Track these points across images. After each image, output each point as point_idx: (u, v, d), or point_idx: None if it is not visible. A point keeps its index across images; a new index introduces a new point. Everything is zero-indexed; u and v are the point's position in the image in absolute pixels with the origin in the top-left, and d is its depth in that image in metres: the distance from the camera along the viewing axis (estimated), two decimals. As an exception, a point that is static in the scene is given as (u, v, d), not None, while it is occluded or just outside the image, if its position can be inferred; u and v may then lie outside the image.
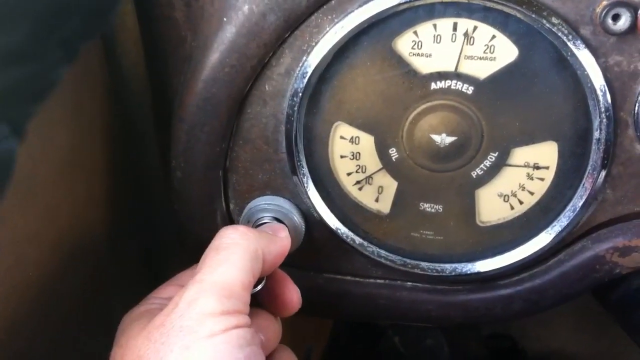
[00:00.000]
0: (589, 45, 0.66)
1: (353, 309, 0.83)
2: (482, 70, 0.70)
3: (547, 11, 0.65)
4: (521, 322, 1.35)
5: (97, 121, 0.75)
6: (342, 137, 0.75)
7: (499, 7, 0.66)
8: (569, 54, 0.66)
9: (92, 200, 0.75)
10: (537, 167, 0.73)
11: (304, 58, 0.70)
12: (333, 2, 0.68)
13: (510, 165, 0.74)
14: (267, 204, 0.78)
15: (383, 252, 0.79)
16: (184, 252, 0.89)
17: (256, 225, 0.77)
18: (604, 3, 0.64)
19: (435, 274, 0.78)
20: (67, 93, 0.67)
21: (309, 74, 0.70)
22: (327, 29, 0.68)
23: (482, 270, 0.77)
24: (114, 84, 0.78)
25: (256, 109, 0.73)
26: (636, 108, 0.68)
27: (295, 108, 0.71)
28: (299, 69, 0.70)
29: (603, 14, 0.64)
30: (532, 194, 0.75)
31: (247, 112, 0.73)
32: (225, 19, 0.68)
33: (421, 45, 0.70)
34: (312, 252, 0.81)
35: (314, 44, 0.69)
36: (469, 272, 0.78)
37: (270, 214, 0.77)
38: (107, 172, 0.78)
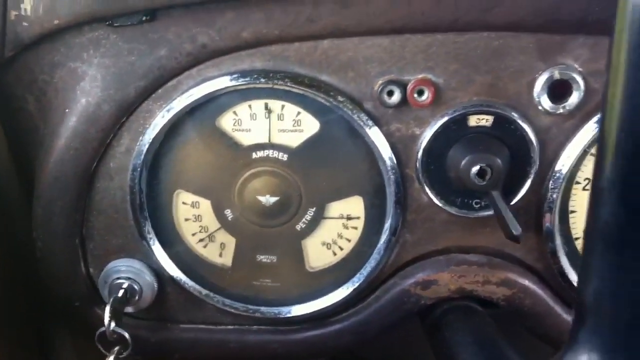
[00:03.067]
0: (372, 117, 0.81)
1: (208, 355, 0.94)
2: (293, 140, 0.83)
3: (334, 91, 0.79)
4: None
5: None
6: (184, 203, 0.87)
7: (297, 90, 0.80)
8: (357, 124, 0.80)
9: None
10: (349, 217, 0.87)
11: (140, 138, 0.82)
12: (160, 91, 0.80)
13: (327, 218, 0.87)
14: (121, 266, 0.88)
15: (228, 301, 0.90)
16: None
17: (113, 284, 0.88)
18: (380, 82, 0.79)
19: (274, 316, 0.90)
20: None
21: (144, 152, 0.82)
22: (157, 113, 0.81)
23: (312, 310, 0.89)
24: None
25: (104, 184, 0.85)
26: (417, 165, 0.82)
27: (136, 181, 0.83)
28: (137, 147, 0.82)
29: (379, 91, 0.79)
30: (349, 240, 0.88)
31: (97, 187, 0.85)
32: (67, 110, 0.80)
33: (241, 122, 0.83)
34: (166, 305, 0.92)
35: (147, 125, 0.81)
36: (301, 313, 0.89)
37: (124, 275, 0.88)
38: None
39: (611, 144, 0.40)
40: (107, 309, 0.84)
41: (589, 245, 0.43)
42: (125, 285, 0.87)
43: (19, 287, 0.95)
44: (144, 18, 0.75)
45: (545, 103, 0.78)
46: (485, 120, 0.79)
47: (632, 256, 0.41)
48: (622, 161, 0.40)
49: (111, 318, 0.83)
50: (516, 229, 0.77)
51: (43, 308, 1.00)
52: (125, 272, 0.88)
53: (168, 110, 0.80)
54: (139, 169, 0.82)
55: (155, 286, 0.89)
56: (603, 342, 0.42)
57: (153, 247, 0.87)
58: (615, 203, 0.40)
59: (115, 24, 0.76)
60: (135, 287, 0.87)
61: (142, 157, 0.82)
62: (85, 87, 0.79)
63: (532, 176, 0.81)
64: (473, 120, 0.79)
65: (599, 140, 0.43)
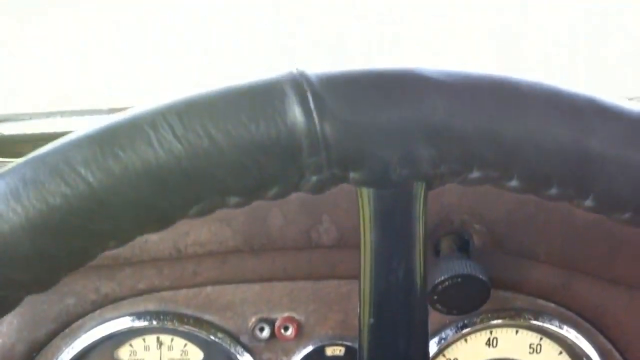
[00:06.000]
0: (247, 349, 0.97)
1: None
2: (181, 365, 0.99)
3: (215, 328, 0.96)
4: None
5: None
6: None
7: (184, 328, 0.96)
8: (234, 355, 0.97)
9: None
10: None
11: (49, 370, 0.96)
12: (67, 330, 0.95)
13: None
14: None
15: None
16: None
17: None
18: (253, 320, 0.97)
19: None
20: None
21: (50, 382, 0.95)
22: (64, 349, 0.95)
23: None
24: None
25: (16, 409, 0.96)
26: (285, 388, 0.98)
27: (43, 405, 0.96)
28: (45, 378, 0.96)
29: (252, 327, 0.97)
30: None
31: None
32: (-15, 349, 0.93)
33: (136, 353, 0.98)
34: None
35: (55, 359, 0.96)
36: None
37: None
38: None
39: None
40: None
41: None
42: None
43: None
44: (56, 273, 0.92)
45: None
46: (339, 351, 0.97)
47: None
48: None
49: None
50: None
51: None
52: None
53: (72, 347, 0.95)
54: (46, 396, 0.95)
55: None
56: None
57: None
58: None
59: (32, 278, 0.92)
60: None
61: (49, 386, 0.95)
62: (3, 330, 0.93)
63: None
64: (329, 351, 0.98)
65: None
